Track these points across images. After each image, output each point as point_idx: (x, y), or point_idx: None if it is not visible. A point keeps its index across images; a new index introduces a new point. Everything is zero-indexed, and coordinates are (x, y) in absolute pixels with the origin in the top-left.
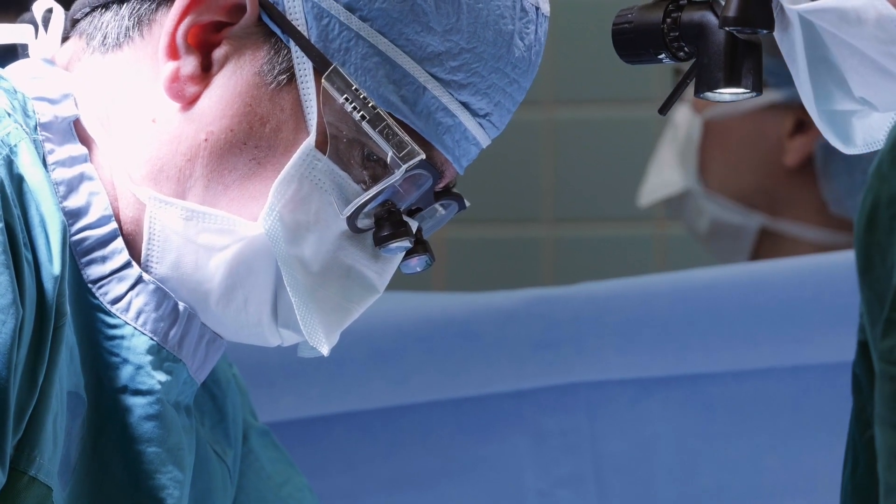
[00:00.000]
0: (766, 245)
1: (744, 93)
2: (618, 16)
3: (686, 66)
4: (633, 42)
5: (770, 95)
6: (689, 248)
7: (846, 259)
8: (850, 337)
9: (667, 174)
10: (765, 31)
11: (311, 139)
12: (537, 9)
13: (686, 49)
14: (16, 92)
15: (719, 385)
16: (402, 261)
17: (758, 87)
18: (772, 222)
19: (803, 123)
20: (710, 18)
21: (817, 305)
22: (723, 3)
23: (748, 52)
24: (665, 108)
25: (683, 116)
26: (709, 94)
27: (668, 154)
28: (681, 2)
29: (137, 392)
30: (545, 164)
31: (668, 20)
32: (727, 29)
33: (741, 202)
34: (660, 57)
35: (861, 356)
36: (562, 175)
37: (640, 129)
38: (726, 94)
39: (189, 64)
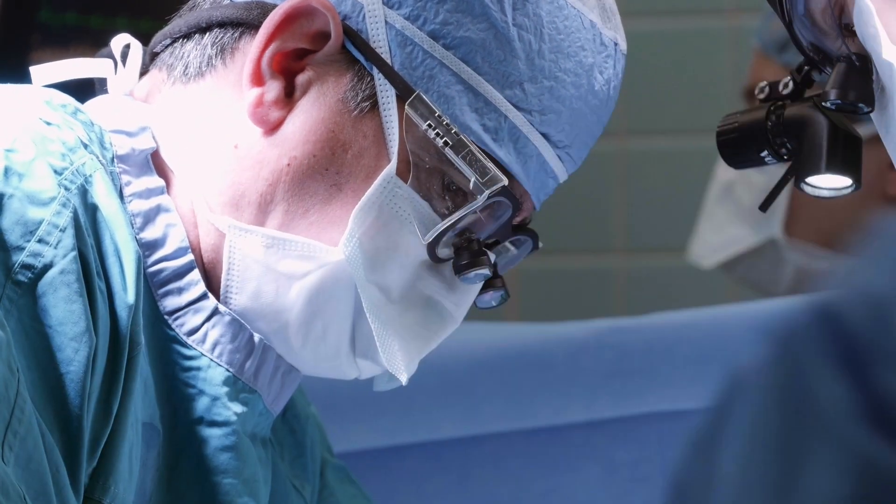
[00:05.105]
0: None
1: (843, 186)
2: (724, 119)
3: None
4: (736, 142)
5: (868, 129)
6: None
7: None
8: None
9: (731, 232)
10: (865, 109)
11: (392, 166)
12: (616, 44)
13: (788, 145)
14: (93, 124)
15: None
16: (477, 295)
17: (857, 180)
18: None
19: None
20: (814, 113)
21: None
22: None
23: (849, 142)
24: (766, 206)
25: (731, 173)
26: (807, 188)
27: (724, 212)
28: (786, 101)
29: (213, 423)
30: (617, 194)
31: (773, 117)
32: (827, 104)
33: (829, 247)
34: (762, 155)
35: None
36: (634, 205)
37: (712, 160)
38: (825, 188)
39: (273, 89)
